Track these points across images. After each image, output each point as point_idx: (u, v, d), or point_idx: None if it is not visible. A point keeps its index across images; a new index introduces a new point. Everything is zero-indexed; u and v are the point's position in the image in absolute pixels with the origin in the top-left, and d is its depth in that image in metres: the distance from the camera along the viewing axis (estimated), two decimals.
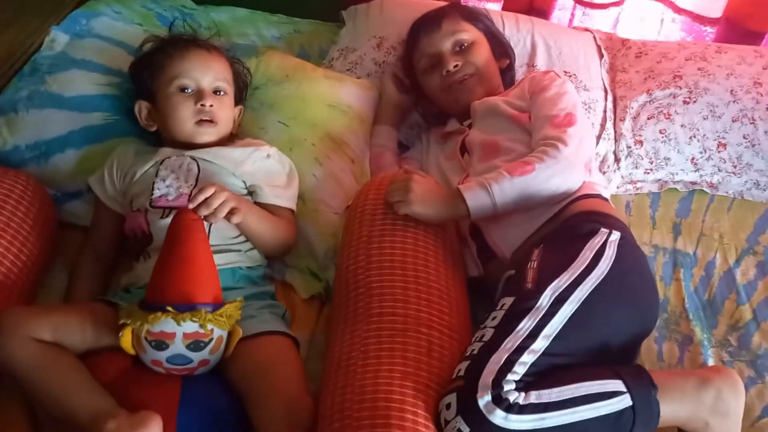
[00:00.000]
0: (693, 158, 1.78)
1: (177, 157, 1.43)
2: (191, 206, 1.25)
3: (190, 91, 1.45)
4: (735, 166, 1.78)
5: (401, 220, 1.37)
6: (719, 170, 1.78)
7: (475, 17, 1.74)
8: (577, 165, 1.38)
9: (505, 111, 1.54)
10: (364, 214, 1.42)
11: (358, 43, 1.91)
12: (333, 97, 1.67)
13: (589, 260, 1.23)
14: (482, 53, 1.67)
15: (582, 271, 1.21)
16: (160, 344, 1.19)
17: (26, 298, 1.35)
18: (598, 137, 1.79)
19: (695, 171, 1.79)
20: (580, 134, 1.40)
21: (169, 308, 1.17)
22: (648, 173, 1.79)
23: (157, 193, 1.39)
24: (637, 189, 1.79)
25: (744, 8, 2.05)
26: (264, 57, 1.73)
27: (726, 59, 1.88)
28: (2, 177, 1.39)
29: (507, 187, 1.33)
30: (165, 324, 1.17)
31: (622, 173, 1.78)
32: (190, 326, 1.18)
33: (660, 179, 1.79)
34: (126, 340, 1.20)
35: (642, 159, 1.78)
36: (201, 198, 1.26)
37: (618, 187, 1.78)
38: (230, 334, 1.24)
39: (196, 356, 1.20)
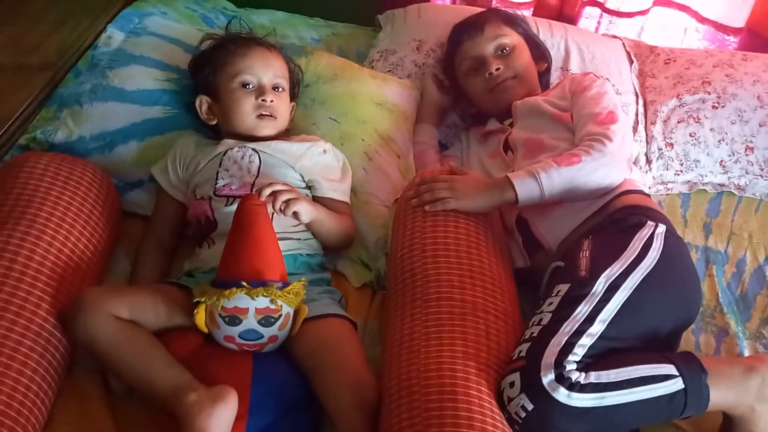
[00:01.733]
0: (721, 161, 1.85)
1: (239, 149, 1.49)
2: (261, 197, 1.31)
3: (251, 87, 1.52)
4: (762, 169, 1.84)
5: (452, 214, 1.44)
6: (747, 173, 1.85)
7: (515, 22, 1.81)
8: (620, 160, 1.44)
9: (547, 110, 1.60)
10: (412, 207, 1.48)
11: (398, 46, 1.98)
12: (379, 95, 1.74)
13: (639, 250, 1.29)
14: (523, 57, 1.74)
15: (633, 260, 1.27)
16: (234, 319, 1.25)
17: (97, 282, 1.40)
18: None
19: (724, 173, 1.85)
20: (622, 131, 1.47)
21: (244, 284, 1.23)
22: (678, 174, 1.85)
23: (221, 182, 1.45)
24: (668, 189, 1.86)
25: (766, 19, 2.13)
26: (313, 56, 1.80)
27: (752, 67, 1.96)
28: (73, 166, 1.44)
29: (554, 176, 1.39)
30: (239, 299, 1.23)
31: (654, 174, 1.85)
32: (262, 301, 1.24)
33: (690, 180, 1.86)
34: (200, 317, 1.26)
35: (672, 161, 1.85)
36: (268, 191, 1.32)
37: (650, 188, 1.83)
38: (296, 312, 1.30)
39: (267, 331, 1.26)
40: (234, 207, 1.35)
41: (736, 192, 1.86)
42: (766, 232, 1.76)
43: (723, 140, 1.85)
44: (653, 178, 1.85)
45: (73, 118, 1.59)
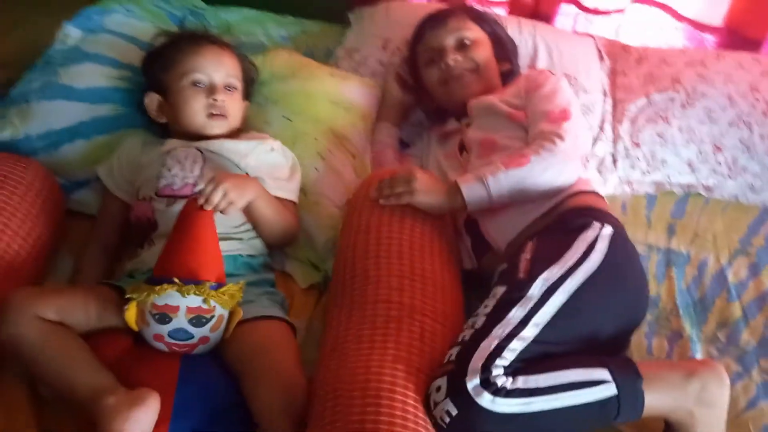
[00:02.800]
0: (689, 161, 1.81)
1: (183, 149, 1.48)
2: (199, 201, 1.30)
3: (202, 85, 1.51)
4: (730, 170, 1.81)
5: (398, 214, 1.42)
6: (715, 173, 1.81)
7: (483, 19, 1.78)
8: (573, 159, 1.41)
9: (502, 109, 1.57)
10: (363, 207, 1.46)
11: (364, 44, 1.96)
12: (336, 94, 1.72)
13: (581, 252, 1.26)
14: (483, 52, 1.71)
15: (574, 263, 1.24)
16: (164, 317, 1.23)
17: (33, 281, 1.39)
18: (596, 138, 1.82)
19: (691, 173, 1.82)
20: (575, 129, 1.44)
21: (176, 280, 1.22)
22: (645, 175, 1.82)
23: (162, 182, 1.44)
24: (634, 190, 1.82)
25: (743, 16, 2.08)
26: (270, 54, 1.78)
27: (724, 65, 1.92)
28: (13, 164, 1.44)
29: (502, 179, 1.36)
30: (170, 296, 1.22)
31: (619, 174, 1.81)
32: (193, 300, 1.23)
33: (656, 181, 1.82)
34: (131, 314, 1.24)
35: (639, 161, 1.81)
36: (202, 199, 1.30)
37: (615, 188, 1.81)
38: (231, 315, 1.28)
39: (197, 332, 1.25)
40: (176, 207, 1.34)
41: (704, 193, 1.82)
42: (731, 234, 1.73)
43: (691, 140, 1.81)
44: (619, 177, 1.81)
45: (19, 117, 1.58)
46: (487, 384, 1.10)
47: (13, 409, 1.23)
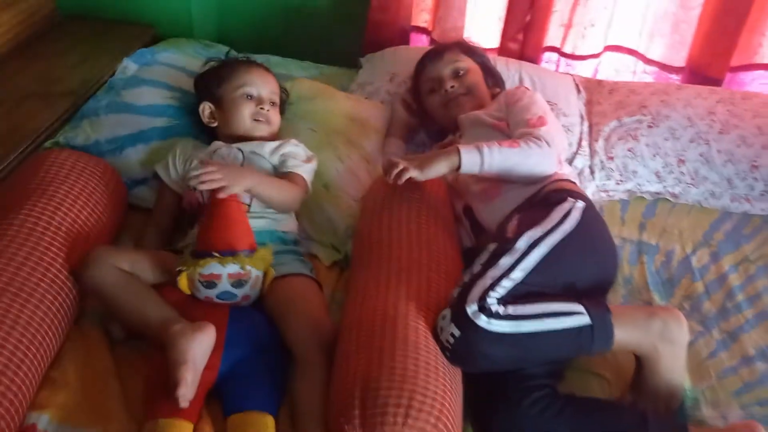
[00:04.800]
0: (657, 172, 2.10)
1: (226, 148, 1.77)
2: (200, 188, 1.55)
3: (252, 97, 1.82)
4: (693, 179, 2.09)
5: (406, 202, 1.69)
6: (680, 182, 2.09)
7: (473, 52, 2.10)
8: (551, 155, 1.69)
9: (487, 121, 1.86)
10: (377, 199, 1.75)
11: (374, 78, 2.29)
12: (353, 112, 2.04)
13: (558, 218, 1.52)
14: (475, 78, 2.02)
15: (553, 225, 1.50)
16: (210, 284, 1.49)
17: None
18: (575, 153, 2.12)
19: (659, 183, 2.10)
20: (551, 133, 1.72)
21: (216, 254, 1.48)
22: (619, 184, 2.10)
23: None
24: (610, 197, 2.10)
25: (703, 59, 2.41)
26: (296, 81, 2.12)
27: (685, 94, 2.23)
28: (87, 161, 1.72)
29: (495, 153, 1.63)
30: (212, 267, 1.48)
31: (597, 183, 2.09)
32: (232, 267, 1.48)
33: (629, 189, 2.11)
34: (183, 282, 1.50)
35: (613, 172, 2.10)
36: (197, 180, 1.53)
37: (593, 195, 2.08)
38: (265, 274, 1.54)
39: (240, 292, 1.50)
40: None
41: (671, 199, 2.10)
42: (695, 230, 1.99)
43: (657, 154, 2.10)
44: (596, 186, 2.09)
45: (90, 126, 1.89)
46: (484, 309, 1.34)
47: (90, 347, 1.48)
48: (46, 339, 1.39)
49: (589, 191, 2.07)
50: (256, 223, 1.61)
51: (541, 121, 1.74)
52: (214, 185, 1.51)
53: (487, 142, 1.64)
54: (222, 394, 1.40)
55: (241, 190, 1.59)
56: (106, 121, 1.89)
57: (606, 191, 2.10)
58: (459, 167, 1.63)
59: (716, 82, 2.40)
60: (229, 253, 1.49)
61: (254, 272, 1.51)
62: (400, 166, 1.62)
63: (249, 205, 1.66)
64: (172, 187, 1.80)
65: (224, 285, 1.49)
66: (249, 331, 1.46)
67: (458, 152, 1.62)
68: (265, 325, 1.50)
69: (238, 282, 1.50)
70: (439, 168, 1.65)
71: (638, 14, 2.44)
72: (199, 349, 1.34)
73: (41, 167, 1.64)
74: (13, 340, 1.32)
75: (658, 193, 2.11)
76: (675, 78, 2.48)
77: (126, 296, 1.45)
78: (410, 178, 1.63)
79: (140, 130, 1.89)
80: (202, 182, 1.51)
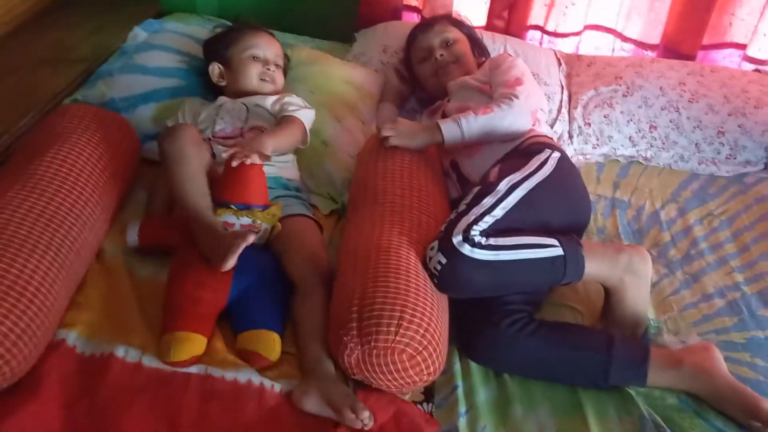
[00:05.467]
0: (630, 137, 2.27)
1: (232, 102, 1.92)
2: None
3: (259, 58, 1.98)
4: (664, 144, 2.26)
5: (399, 156, 1.84)
6: (651, 146, 2.26)
7: (461, 24, 2.27)
8: (524, 111, 1.83)
9: (473, 84, 2.03)
10: (370, 154, 1.89)
11: (368, 49, 2.45)
12: (349, 76, 2.20)
13: (536, 166, 1.68)
14: (463, 48, 2.18)
15: (530, 172, 1.66)
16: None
17: (117, 202, 1.79)
18: (556, 119, 2.28)
19: (633, 147, 2.27)
20: (527, 91, 1.88)
21: (232, 206, 1.63)
22: (595, 148, 2.27)
23: (218, 127, 1.87)
24: (587, 159, 2.27)
25: (676, 36, 2.58)
26: (296, 48, 2.28)
27: (658, 66, 2.40)
28: (104, 114, 1.86)
29: (472, 122, 1.79)
30: (228, 216, 1.63)
31: (575, 147, 2.26)
32: (245, 220, 1.63)
33: (605, 153, 2.27)
34: None
35: (590, 137, 2.27)
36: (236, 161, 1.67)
37: (571, 157, 2.23)
38: (273, 228, 1.68)
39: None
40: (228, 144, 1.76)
41: (643, 162, 2.26)
42: (664, 189, 2.16)
43: (631, 120, 2.27)
44: (575, 150, 2.26)
45: (106, 85, 2.04)
46: (467, 240, 1.50)
47: (111, 275, 1.63)
48: (74, 265, 1.53)
49: (568, 154, 2.23)
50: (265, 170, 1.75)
51: (518, 82, 1.90)
52: (248, 161, 1.64)
53: (464, 114, 1.81)
54: (232, 316, 1.55)
55: (270, 152, 1.73)
56: (120, 81, 2.04)
57: (583, 154, 2.27)
58: (443, 140, 1.80)
59: (689, 58, 2.57)
60: (244, 207, 1.64)
61: (264, 226, 1.66)
62: (386, 134, 1.81)
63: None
64: None
65: None
66: (256, 262, 1.61)
67: (439, 128, 1.79)
68: (270, 259, 1.65)
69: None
70: (422, 141, 1.85)
71: None
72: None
73: (64, 118, 1.78)
74: (46, 262, 1.45)
75: (631, 157, 2.27)
76: (651, 55, 2.65)
77: (186, 172, 1.63)
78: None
79: (152, 89, 2.03)
80: (234, 158, 1.64)
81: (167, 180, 1.67)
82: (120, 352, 1.45)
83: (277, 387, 1.44)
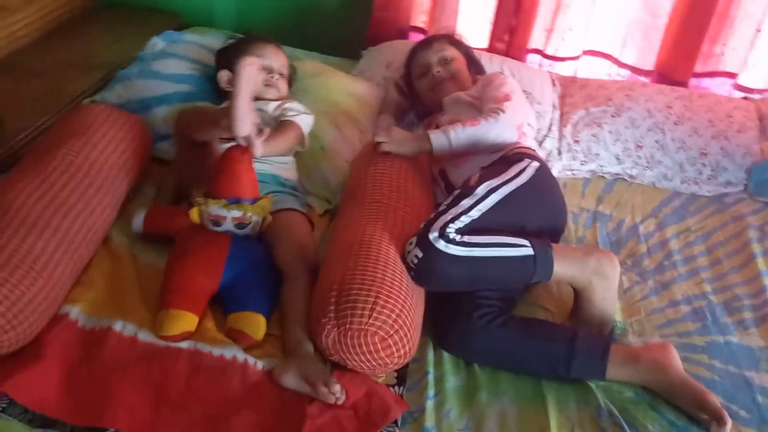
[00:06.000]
0: (617, 155, 2.37)
1: None
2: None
3: (264, 67, 2.13)
4: (649, 163, 2.37)
5: (389, 162, 1.97)
6: (637, 165, 2.37)
7: (459, 43, 2.40)
8: (510, 125, 1.95)
9: (466, 99, 2.15)
10: (363, 161, 2.02)
11: (372, 65, 2.60)
12: (350, 88, 2.34)
13: (514, 173, 1.80)
14: (459, 66, 2.31)
15: (509, 178, 1.78)
16: (217, 223, 1.77)
17: (128, 195, 1.93)
18: (545, 136, 2.40)
19: (619, 165, 2.38)
20: (515, 106, 2.00)
21: (223, 200, 1.76)
22: (583, 164, 2.38)
23: None
24: (574, 175, 2.38)
25: (669, 62, 2.69)
26: (302, 61, 2.42)
27: (647, 91, 2.51)
28: (119, 113, 2.01)
29: (459, 133, 1.92)
30: (219, 210, 1.76)
31: (563, 163, 2.37)
32: (236, 213, 1.76)
33: (592, 169, 2.38)
34: (194, 215, 1.77)
35: (578, 153, 2.38)
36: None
37: (559, 173, 2.36)
38: (263, 219, 1.81)
39: (241, 232, 1.78)
40: (228, 144, 1.90)
41: (628, 179, 2.37)
42: (646, 205, 2.26)
43: (618, 140, 2.38)
44: (563, 165, 2.37)
45: (123, 89, 2.20)
46: (443, 236, 1.61)
47: (115, 258, 1.77)
48: (79, 248, 1.67)
49: (556, 170, 2.35)
50: (260, 167, 1.90)
51: (506, 98, 2.02)
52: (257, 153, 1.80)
53: (454, 125, 1.93)
54: (223, 300, 1.68)
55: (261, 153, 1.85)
56: (137, 85, 2.20)
57: (571, 170, 2.38)
58: (432, 150, 1.93)
59: (682, 85, 2.67)
60: (234, 200, 1.77)
61: (254, 218, 1.79)
62: (380, 140, 1.95)
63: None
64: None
65: (228, 225, 1.77)
66: (247, 251, 1.74)
67: (428, 137, 1.92)
68: (260, 248, 1.78)
69: (240, 224, 1.77)
70: (412, 148, 1.98)
71: (613, 21, 2.72)
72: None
73: (81, 115, 1.94)
74: (53, 243, 1.59)
75: (617, 174, 2.38)
76: (645, 80, 2.76)
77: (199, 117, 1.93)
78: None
79: (165, 93, 2.19)
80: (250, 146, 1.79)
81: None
82: (118, 326, 1.58)
83: (260, 364, 1.55)
